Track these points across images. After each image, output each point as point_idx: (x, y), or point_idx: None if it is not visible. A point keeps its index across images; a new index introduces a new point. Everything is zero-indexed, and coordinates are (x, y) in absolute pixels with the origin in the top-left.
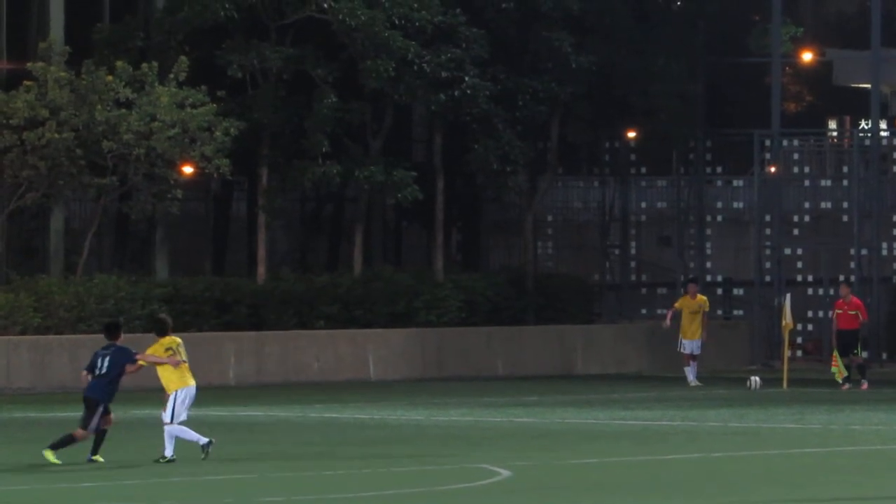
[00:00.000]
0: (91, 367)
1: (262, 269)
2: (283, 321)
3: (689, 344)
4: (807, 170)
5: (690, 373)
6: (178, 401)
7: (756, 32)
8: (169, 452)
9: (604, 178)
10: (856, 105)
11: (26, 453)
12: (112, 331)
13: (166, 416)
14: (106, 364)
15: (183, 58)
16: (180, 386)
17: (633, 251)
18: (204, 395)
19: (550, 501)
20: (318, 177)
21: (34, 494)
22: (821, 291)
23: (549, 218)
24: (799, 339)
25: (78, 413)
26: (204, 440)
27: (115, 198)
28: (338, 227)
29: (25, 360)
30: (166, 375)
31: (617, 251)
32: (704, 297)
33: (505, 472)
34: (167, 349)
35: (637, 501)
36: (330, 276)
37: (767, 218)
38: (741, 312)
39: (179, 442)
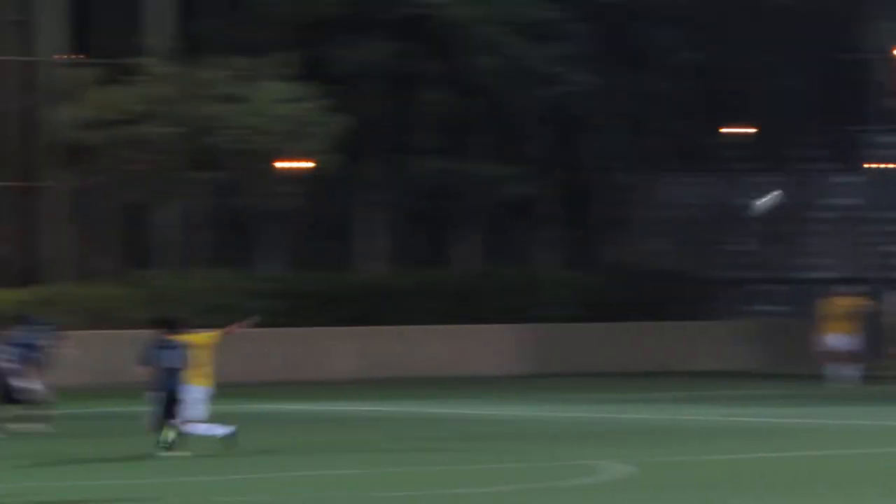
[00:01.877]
0: (148, 362)
1: (371, 265)
2: (393, 316)
3: (840, 340)
4: None
5: (843, 370)
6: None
7: (866, 28)
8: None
9: (715, 174)
10: None
11: (140, 446)
12: (173, 325)
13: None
14: (177, 357)
15: (290, 53)
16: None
17: (745, 247)
18: (311, 389)
19: (665, 499)
20: (426, 172)
21: (160, 488)
22: None
23: (660, 214)
24: None
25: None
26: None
27: (223, 193)
28: (447, 223)
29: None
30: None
31: (729, 247)
32: (859, 298)
33: (618, 469)
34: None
35: (754, 500)
36: (440, 272)
37: (878, 215)
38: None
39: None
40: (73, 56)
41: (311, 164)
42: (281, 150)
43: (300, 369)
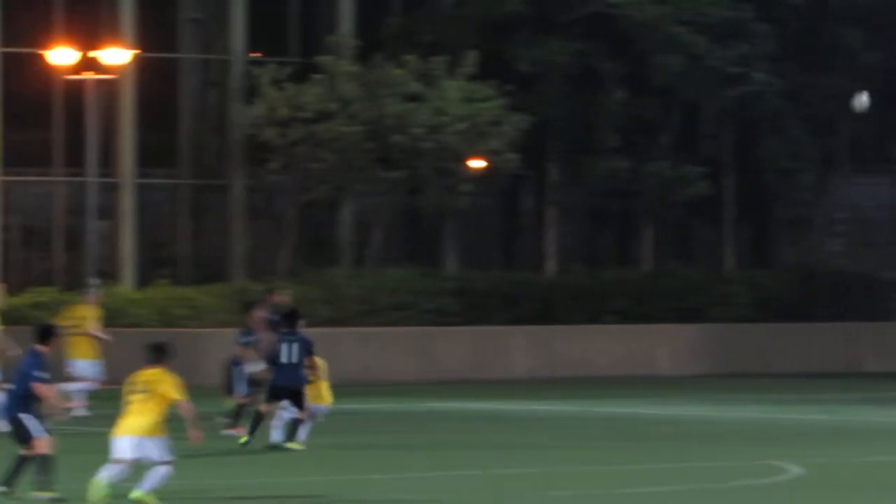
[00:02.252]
0: (274, 358)
1: (550, 264)
2: (572, 316)
3: None
4: None
5: None
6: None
7: None
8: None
9: (893, 175)
10: None
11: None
12: (292, 319)
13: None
14: (295, 352)
15: (472, 52)
16: None
17: None
18: (491, 388)
19: (843, 500)
20: (606, 172)
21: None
22: None
23: (840, 215)
24: None
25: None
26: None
27: (404, 191)
28: (626, 223)
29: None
30: None
31: None
32: None
33: (795, 470)
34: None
35: None
36: (619, 272)
37: None
38: None
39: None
40: (256, 54)
41: (492, 164)
42: (463, 149)
43: (478, 368)
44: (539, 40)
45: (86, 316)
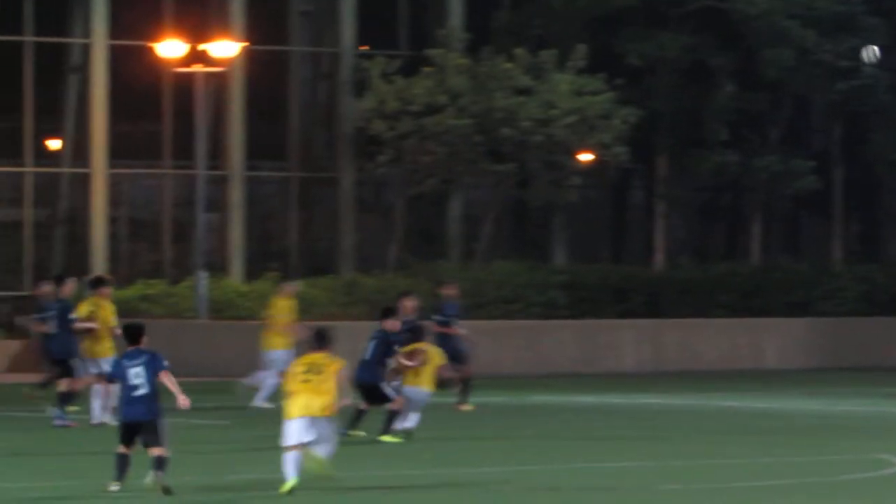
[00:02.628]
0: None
1: (659, 258)
2: (681, 309)
3: None
4: None
5: None
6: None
7: None
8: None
9: None
10: None
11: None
12: (387, 314)
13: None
14: (370, 349)
15: (581, 45)
16: None
17: None
18: (601, 382)
19: None
20: (716, 166)
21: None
22: None
23: None
24: None
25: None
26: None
27: (513, 185)
28: (735, 217)
29: None
30: None
31: None
32: None
33: None
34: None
35: None
36: (727, 265)
37: None
38: None
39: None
40: (366, 47)
41: (601, 157)
42: (572, 142)
43: (586, 361)
44: (649, 34)
45: (283, 308)
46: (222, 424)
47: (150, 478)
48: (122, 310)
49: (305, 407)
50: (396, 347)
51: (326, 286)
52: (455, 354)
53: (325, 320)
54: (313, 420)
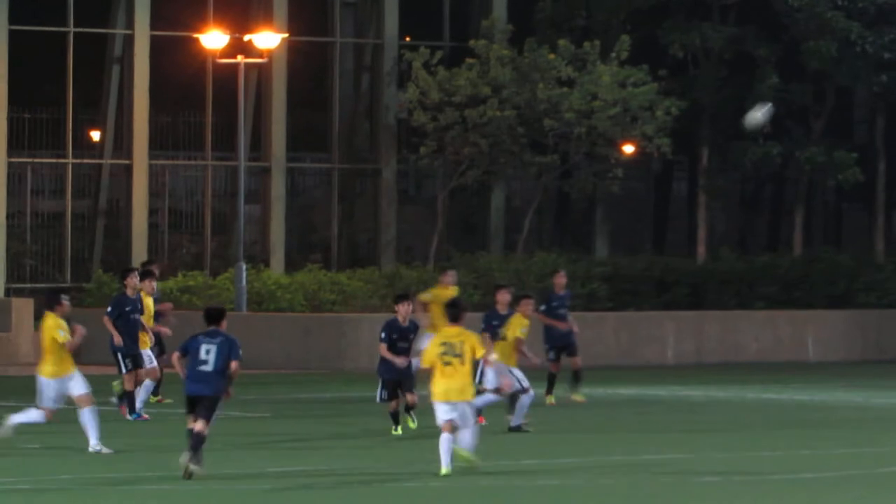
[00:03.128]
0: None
1: (701, 249)
2: (723, 301)
3: None
4: None
5: None
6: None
7: None
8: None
9: None
10: None
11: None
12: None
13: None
14: None
15: (625, 36)
16: None
17: None
18: (642, 374)
19: None
20: (759, 157)
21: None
22: None
23: None
24: None
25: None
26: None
27: (555, 176)
28: (778, 208)
29: None
30: None
31: None
32: None
33: None
34: None
35: None
36: (770, 257)
37: None
38: None
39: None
40: (408, 39)
41: (644, 149)
42: (615, 133)
43: (627, 353)
44: (693, 25)
45: (442, 295)
46: (262, 417)
47: (184, 457)
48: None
49: (445, 392)
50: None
51: (367, 278)
52: (565, 345)
53: (365, 313)
54: (454, 405)
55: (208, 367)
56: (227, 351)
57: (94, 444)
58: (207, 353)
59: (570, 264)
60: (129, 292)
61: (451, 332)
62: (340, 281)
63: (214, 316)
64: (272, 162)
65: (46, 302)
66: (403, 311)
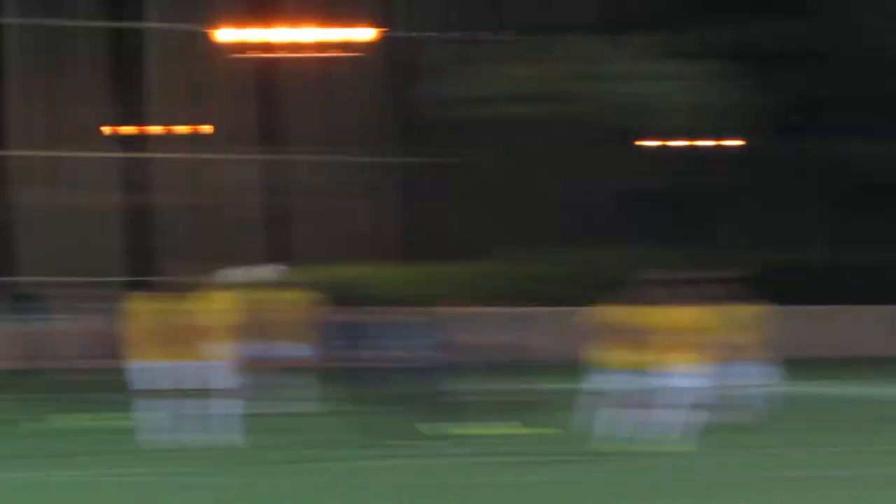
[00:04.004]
0: None
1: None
2: (791, 296)
3: None
4: None
5: None
6: None
7: None
8: None
9: None
10: None
11: None
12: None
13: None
14: None
15: (679, 31)
16: None
17: None
18: None
19: None
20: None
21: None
22: None
23: None
24: None
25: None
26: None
27: (615, 172)
28: (834, 202)
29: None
30: None
31: None
32: None
33: None
34: None
35: None
36: (833, 252)
37: None
38: None
39: None
40: (458, 32)
41: (715, 143)
42: (684, 128)
43: None
44: (750, 18)
45: None
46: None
47: None
48: None
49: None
50: None
51: (411, 273)
52: None
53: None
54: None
55: None
56: None
57: None
58: None
59: (622, 259)
60: None
61: None
62: (380, 275)
63: None
64: (328, 156)
65: None
66: None
